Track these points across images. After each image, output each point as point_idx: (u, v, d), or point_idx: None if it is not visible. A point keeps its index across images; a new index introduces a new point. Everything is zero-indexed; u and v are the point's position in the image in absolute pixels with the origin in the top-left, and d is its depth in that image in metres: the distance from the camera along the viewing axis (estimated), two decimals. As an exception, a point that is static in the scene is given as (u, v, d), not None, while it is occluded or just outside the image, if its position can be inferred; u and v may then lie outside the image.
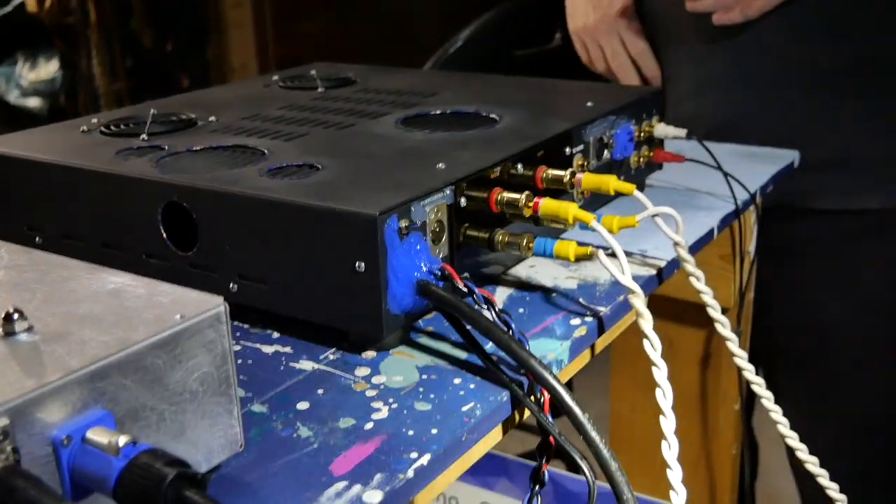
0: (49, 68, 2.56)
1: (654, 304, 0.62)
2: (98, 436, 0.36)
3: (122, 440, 0.35)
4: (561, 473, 1.02)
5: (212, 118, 0.79)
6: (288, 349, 0.59)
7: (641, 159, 0.87)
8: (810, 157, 1.01)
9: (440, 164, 0.64)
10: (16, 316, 0.39)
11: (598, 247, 0.63)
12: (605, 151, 0.80)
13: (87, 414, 0.37)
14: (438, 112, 0.80)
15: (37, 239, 0.71)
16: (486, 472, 1.06)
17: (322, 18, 4.06)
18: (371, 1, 4.05)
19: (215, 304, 0.42)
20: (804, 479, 1.18)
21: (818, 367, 1.12)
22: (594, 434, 0.49)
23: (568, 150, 0.74)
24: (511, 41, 1.44)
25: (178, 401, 0.41)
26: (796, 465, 1.17)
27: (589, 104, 0.81)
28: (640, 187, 0.89)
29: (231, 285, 0.61)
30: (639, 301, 0.60)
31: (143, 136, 0.73)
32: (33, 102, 2.62)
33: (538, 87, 0.90)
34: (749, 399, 1.12)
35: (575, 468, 1.10)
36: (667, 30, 1.16)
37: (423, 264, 0.57)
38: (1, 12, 2.56)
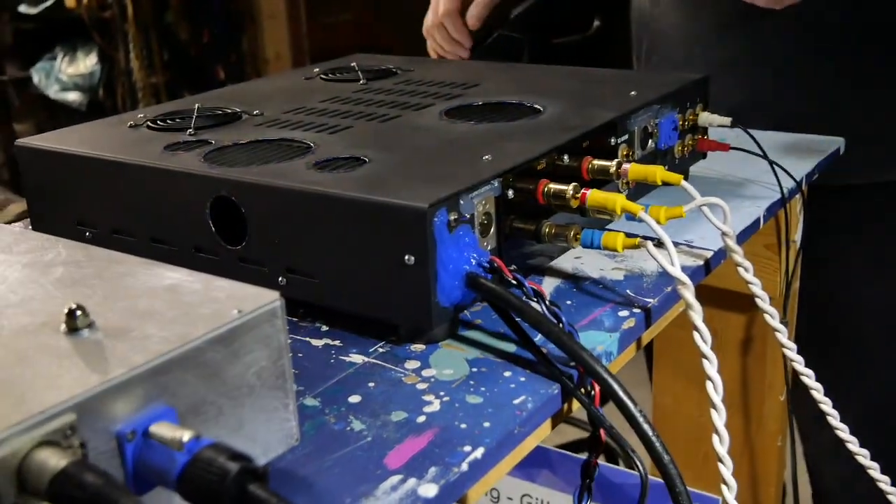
0: (87, 63, 2.58)
1: (696, 292, 0.62)
2: (162, 430, 0.36)
3: (186, 435, 0.35)
4: (603, 465, 1.02)
5: (256, 111, 0.80)
6: (337, 342, 0.59)
7: (686, 148, 0.86)
8: (835, 133, 1.00)
9: (487, 156, 0.63)
10: (78, 312, 0.39)
11: (644, 237, 0.63)
12: (650, 141, 0.80)
13: (150, 409, 0.37)
14: (482, 103, 0.80)
15: (87, 234, 0.71)
16: (526, 463, 1.05)
17: (356, 6, 4.08)
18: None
19: (272, 299, 0.42)
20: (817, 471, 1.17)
21: (846, 345, 1.11)
22: (647, 427, 0.49)
23: (613, 140, 0.74)
24: (549, 29, 1.43)
25: (237, 395, 0.41)
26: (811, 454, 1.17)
27: (632, 93, 0.80)
28: (685, 176, 0.88)
29: (280, 279, 0.61)
30: (688, 292, 0.60)
31: (190, 130, 0.74)
32: (72, 96, 2.65)
33: (581, 77, 0.90)
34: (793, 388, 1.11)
35: (615, 459, 1.10)
36: (682, 8, 1.14)
37: (471, 257, 0.57)
38: (40, 8, 2.59)
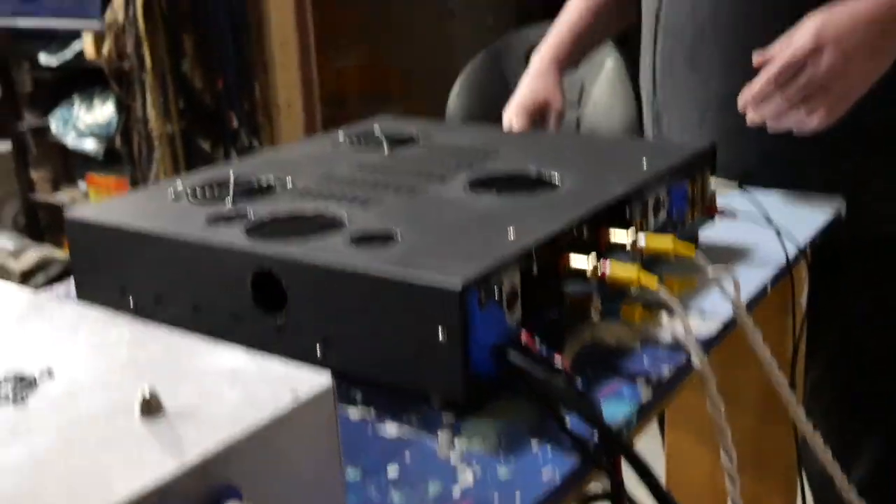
0: (105, 111, 2.64)
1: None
2: (231, 510, 0.40)
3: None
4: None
5: (289, 181, 0.84)
6: (372, 412, 0.63)
7: (695, 214, 0.90)
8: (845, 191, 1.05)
9: (511, 232, 0.67)
10: (150, 397, 0.43)
11: (658, 304, 0.66)
12: (662, 210, 0.84)
13: (218, 489, 0.41)
14: (503, 173, 0.84)
15: (130, 301, 0.75)
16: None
17: (365, 51, 4.15)
18: (405, 29, 4.14)
19: (324, 382, 0.46)
20: None
21: (861, 394, 1.15)
22: (672, 497, 0.52)
23: (627, 211, 0.78)
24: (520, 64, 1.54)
25: (293, 472, 0.45)
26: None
27: (644, 163, 0.85)
28: (694, 240, 0.92)
29: (317, 350, 0.65)
30: (702, 363, 0.64)
31: (229, 201, 0.78)
32: (89, 144, 2.70)
33: (592, 144, 0.94)
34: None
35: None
36: (696, 74, 1.18)
37: (500, 331, 0.61)
38: (60, 59, 2.65)
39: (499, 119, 1.21)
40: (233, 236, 0.70)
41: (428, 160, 0.90)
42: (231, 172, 0.86)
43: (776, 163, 1.13)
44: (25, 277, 2.58)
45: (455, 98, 1.66)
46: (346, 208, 0.76)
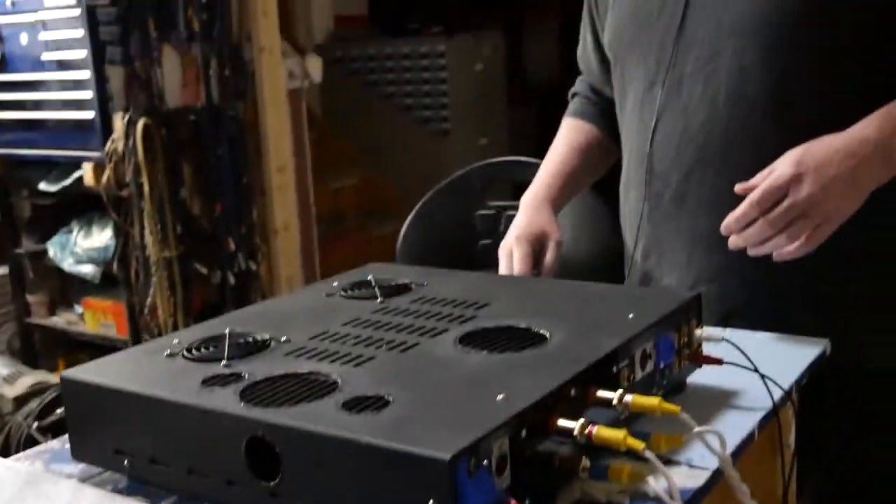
0: (102, 237, 2.68)
1: None
2: None
3: None
4: None
5: (284, 338, 0.86)
6: (364, 579, 0.63)
7: (683, 363, 0.92)
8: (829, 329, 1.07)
9: (500, 396, 0.69)
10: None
11: (646, 458, 0.68)
12: (649, 362, 0.86)
13: None
14: (493, 327, 0.86)
15: (125, 462, 0.76)
16: None
17: (361, 170, 4.24)
18: (400, 149, 4.24)
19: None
20: None
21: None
22: None
23: (615, 367, 0.80)
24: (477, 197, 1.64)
25: None
26: None
27: (631, 316, 0.87)
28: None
29: (311, 516, 0.66)
30: (690, 527, 0.64)
31: (224, 361, 0.80)
32: (86, 269, 2.74)
33: (581, 294, 0.97)
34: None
35: None
36: (685, 213, 1.22)
37: (490, 498, 0.62)
38: (59, 186, 2.71)
39: (452, 255, 1.25)
40: (227, 400, 0.72)
41: (421, 313, 0.92)
42: (227, 329, 0.88)
43: (760, 298, 1.16)
44: (19, 403, 2.57)
45: (408, 231, 1.70)
46: (338, 368, 0.77)
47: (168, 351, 0.84)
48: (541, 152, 1.45)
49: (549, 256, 1.24)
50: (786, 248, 1.01)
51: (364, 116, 4.32)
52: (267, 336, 0.87)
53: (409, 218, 1.70)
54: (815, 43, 1.09)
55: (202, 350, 0.83)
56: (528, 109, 5.04)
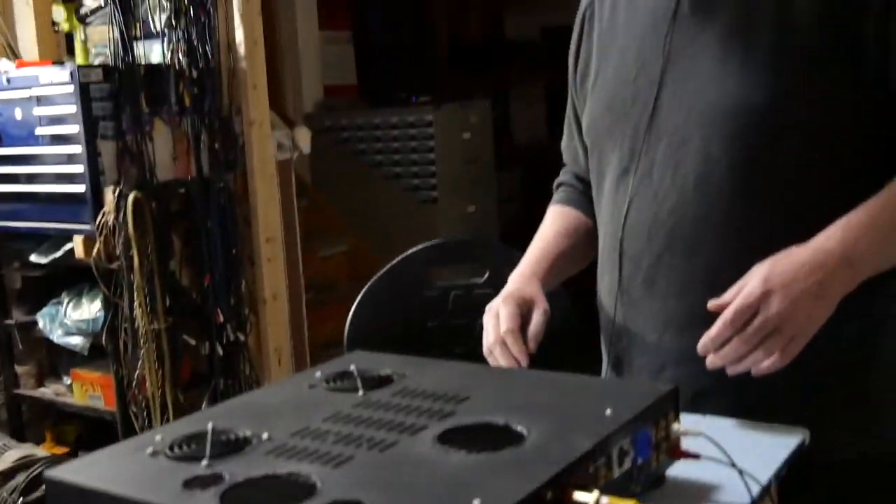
0: (92, 308, 2.69)
1: None
2: None
3: None
4: None
5: (265, 435, 0.87)
6: None
7: (660, 457, 0.93)
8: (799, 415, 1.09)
9: (476, 501, 0.70)
10: None
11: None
12: (626, 459, 0.87)
13: None
14: (472, 423, 0.88)
15: (106, 564, 0.77)
16: None
17: (350, 239, 4.27)
18: (389, 217, 4.28)
19: None
20: None
21: None
22: None
23: (591, 467, 0.81)
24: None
25: None
26: None
27: (608, 412, 0.88)
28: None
29: None
30: None
31: (205, 461, 0.81)
32: (75, 340, 2.74)
33: (558, 386, 0.98)
34: None
35: None
36: (657, 297, 1.23)
37: None
38: (50, 258, 2.72)
39: (404, 338, 1.25)
40: (207, 505, 0.73)
41: (401, 408, 0.93)
42: (209, 424, 0.89)
43: (729, 381, 1.17)
44: (6, 477, 2.55)
45: (353, 320, 1.72)
46: (318, 469, 0.78)
47: (151, 449, 0.85)
48: (527, 215, 1.47)
49: (535, 321, 1.24)
50: (762, 364, 1.03)
51: (353, 184, 4.37)
52: (248, 433, 0.88)
53: (353, 307, 1.71)
54: (780, 133, 1.13)
55: (184, 448, 0.84)
56: (515, 173, 5.11)
